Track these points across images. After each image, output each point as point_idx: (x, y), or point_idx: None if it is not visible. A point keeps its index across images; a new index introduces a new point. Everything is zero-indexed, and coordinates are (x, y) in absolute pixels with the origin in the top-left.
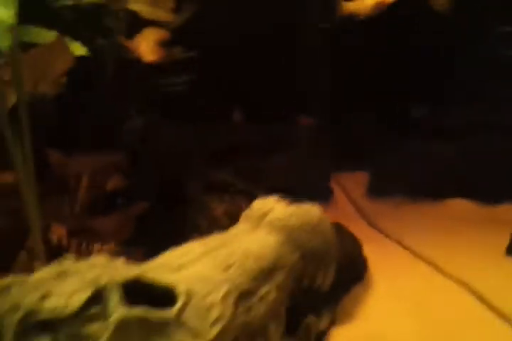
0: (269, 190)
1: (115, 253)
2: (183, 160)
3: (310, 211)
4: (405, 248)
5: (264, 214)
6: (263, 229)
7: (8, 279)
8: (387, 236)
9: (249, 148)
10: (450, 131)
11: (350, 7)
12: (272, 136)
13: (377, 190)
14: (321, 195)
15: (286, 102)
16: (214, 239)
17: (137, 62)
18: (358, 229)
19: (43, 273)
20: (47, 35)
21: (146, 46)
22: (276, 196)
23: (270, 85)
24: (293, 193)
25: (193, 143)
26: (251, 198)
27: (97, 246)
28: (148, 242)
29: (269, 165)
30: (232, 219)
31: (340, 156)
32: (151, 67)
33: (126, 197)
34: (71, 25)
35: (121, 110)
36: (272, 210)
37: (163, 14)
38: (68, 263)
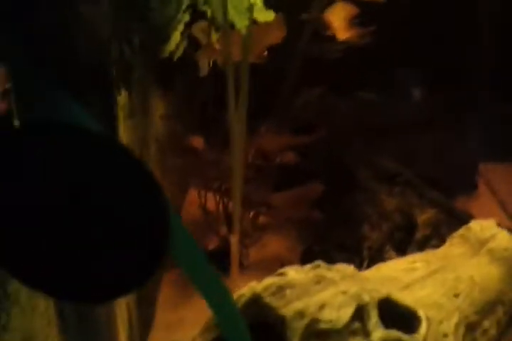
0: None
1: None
2: (352, 139)
3: None
4: None
5: (486, 240)
6: (484, 257)
7: (273, 278)
8: None
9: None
10: None
11: None
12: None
13: None
14: (465, 186)
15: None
16: (434, 258)
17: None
18: None
19: (302, 274)
20: (270, 15)
21: (340, 23)
22: (494, 220)
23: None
24: (436, 182)
25: (358, 120)
26: (420, 192)
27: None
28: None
29: (417, 148)
30: (404, 216)
31: (488, 142)
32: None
33: (299, 175)
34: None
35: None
36: (494, 237)
37: None
38: (321, 269)
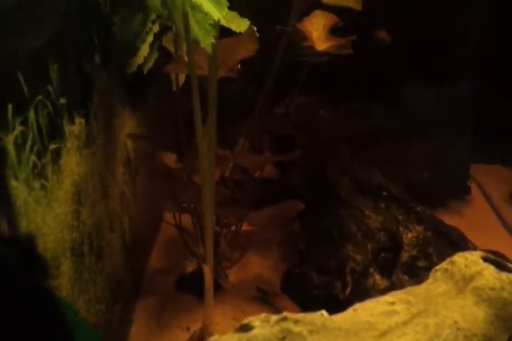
0: (407, 186)
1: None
2: (334, 149)
3: None
4: None
5: (471, 277)
6: (469, 296)
7: (235, 335)
8: None
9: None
10: None
11: None
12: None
13: None
14: (456, 191)
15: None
16: (416, 299)
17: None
18: (501, 243)
19: (267, 329)
20: (244, 25)
21: (318, 33)
22: (481, 252)
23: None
24: (427, 188)
25: (343, 128)
26: (406, 209)
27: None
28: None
29: (405, 154)
30: (389, 235)
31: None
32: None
33: (279, 189)
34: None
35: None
36: (480, 274)
37: (351, 2)
38: (288, 322)
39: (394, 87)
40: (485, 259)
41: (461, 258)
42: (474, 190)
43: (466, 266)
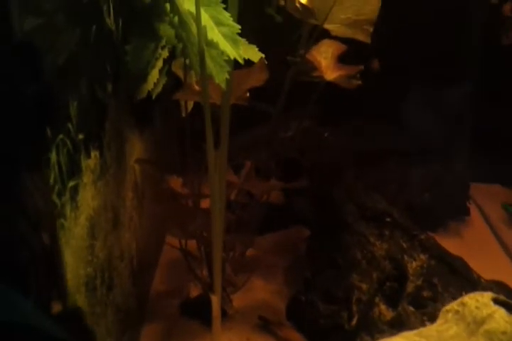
0: (405, 207)
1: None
2: (339, 173)
3: None
4: None
5: (482, 320)
6: (480, 339)
7: None
8: None
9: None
10: None
11: None
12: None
13: None
14: (455, 212)
15: None
16: None
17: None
18: (499, 265)
19: None
20: (257, 55)
21: (327, 62)
22: (493, 293)
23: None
24: (426, 210)
25: (347, 151)
26: (410, 236)
27: None
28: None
29: (405, 175)
30: (394, 264)
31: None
32: None
33: (283, 213)
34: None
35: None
36: (491, 317)
37: (361, 36)
38: None
39: (393, 107)
40: (495, 301)
41: (472, 300)
42: (473, 211)
43: (477, 307)
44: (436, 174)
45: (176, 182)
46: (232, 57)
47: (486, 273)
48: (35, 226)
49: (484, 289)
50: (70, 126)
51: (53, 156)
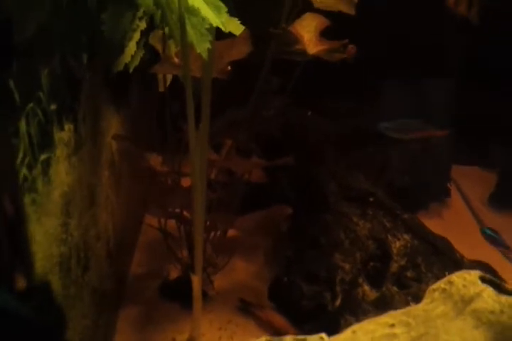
0: (387, 188)
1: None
2: (322, 152)
3: None
4: None
5: (470, 299)
6: (469, 318)
7: None
8: None
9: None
10: None
11: None
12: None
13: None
14: (436, 194)
15: None
16: (415, 321)
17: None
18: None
19: None
20: (240, 28)
21: (309, 35)
22: (480, 271)
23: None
24: (406, 191)
25: (330, 130)
26: (393, 216)
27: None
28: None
29: (387, 157)
30: (377, 244)
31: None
32: None
33: (264, 192)
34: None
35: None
36: (479, 296)
37: (344, 7)
38: None
39: (377, 88)
40: (482, 279)
41: (459, 279)
42: (454, 192)
43: (464, 286)
44: (418, 155)
45: (155, 160)
46: (214, 25)
47: (467, 254)
48: None
49: (467, 269)
50: (41, 94)
51: (23, 126)
